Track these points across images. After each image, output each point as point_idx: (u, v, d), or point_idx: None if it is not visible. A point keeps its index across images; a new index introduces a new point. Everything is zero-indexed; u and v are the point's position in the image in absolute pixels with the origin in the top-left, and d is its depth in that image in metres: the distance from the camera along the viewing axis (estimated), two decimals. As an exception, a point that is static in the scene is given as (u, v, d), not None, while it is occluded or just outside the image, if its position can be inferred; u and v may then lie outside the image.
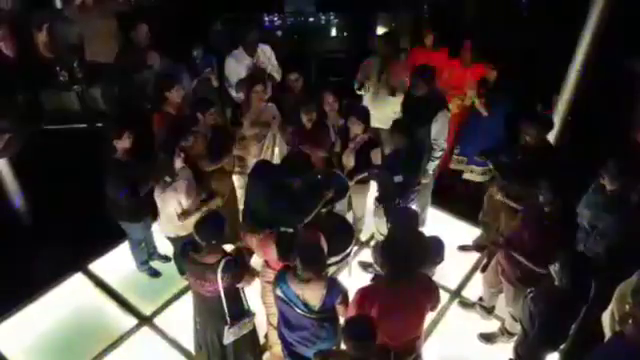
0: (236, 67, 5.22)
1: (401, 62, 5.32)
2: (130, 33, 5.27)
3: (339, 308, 3.09)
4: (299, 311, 2.99)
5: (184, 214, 3.85)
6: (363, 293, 2.99)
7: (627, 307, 3.07)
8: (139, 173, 3.95)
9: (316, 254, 3.00)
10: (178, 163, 3.85)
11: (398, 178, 4.07)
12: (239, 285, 3.27)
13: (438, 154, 4.58)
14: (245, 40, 5.24)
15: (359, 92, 5.25)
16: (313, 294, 2.96)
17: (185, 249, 3.25)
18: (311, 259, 2.91)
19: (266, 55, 5.39)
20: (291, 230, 3.33)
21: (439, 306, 4.28)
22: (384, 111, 5.06)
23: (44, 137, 5.31)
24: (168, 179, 3.81)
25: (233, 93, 5.23)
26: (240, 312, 3.36)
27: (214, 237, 3.10)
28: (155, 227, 4.62)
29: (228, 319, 3.28)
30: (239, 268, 3.19)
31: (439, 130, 4.49)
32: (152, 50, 5.12)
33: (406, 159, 4.08)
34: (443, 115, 4.50)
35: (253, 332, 3.57)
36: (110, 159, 3.97)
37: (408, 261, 2.96)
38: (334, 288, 3.02)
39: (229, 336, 3.33)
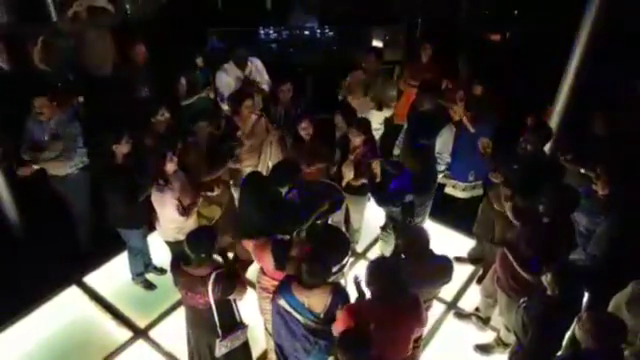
0: (227, 80, 5.27)
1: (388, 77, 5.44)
2: (127, 51, 5.32)
3: (338, 313, 3.08)
4: (302, 319, 2.97)
5: (185, 210, 3.92)
6: (350, 310, 2.96)
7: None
8: (137, 178, 3.99)
9: (322, 260, 3.00)
10: (170, 167, 3.89)
11: (409, 197, 4.06)
12: (231, 297, 3.25)
13: (442, 167, 4.63)
14: (234, 54, 5.29)
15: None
16: (318, 300, 2.95)
17: (176, 261, 3.24)
18: (317, 266, 2.91)
19: (258, 69, 5.43)
20: (287, 237, 3.33)
21: (435, 317, 4.35)
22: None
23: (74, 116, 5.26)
24: (162, 182, 3.87)
25: (224, 106, 5.26)
26: (232, 324, 3.35)
27: (204, 249, 3.10)
28: (150, 238, 4.63)
29: (220, 332, 3.27)
30: (231, 281, 3.18)
31: (444, 144, 4.54)
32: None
33: (420, 183, 4.05)
34: (448, 129, 4.57)
35: (246, 344, 3.55)
36: (109, 164, 4.01)
37: (397, 282, 2.92)
38: (338, 293, 3.03)
39: (221, 349, 3.32)
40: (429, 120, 4.61)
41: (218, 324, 3.24)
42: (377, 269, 2.95)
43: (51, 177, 4.52)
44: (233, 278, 3.22)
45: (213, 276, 3.09)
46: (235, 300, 3.34)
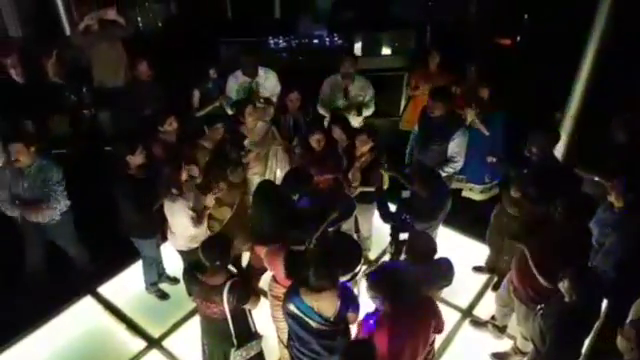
0: (235, 87, 5.29)
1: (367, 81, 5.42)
2: (133, 68, 5.37)
3: (350, 317, 3.06)
4: (314, 324, 2.95)
5: (198, 217, 3.92)
6: (366, 322, 2.94)
7: None
8: (151, 188, 4.01)
9: (328, 264, 2.97)
10: (184, 176, 3.91)
11: (406, 193, 4.04)
12: (245, 307, 3.25)
13: (449, 169, 4.60)
14: (242, 63, 5.30)
15: (321, 111, 5.36)
16: (327, 304, 2.93)
17: (190, 270, 3.25)
18: (323, 269, 2.89)
19: (270, 78, 5.43)
20: (302, 248, 3.31)
21: (450, 326, 4.29)
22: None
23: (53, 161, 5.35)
24: (175, 192, 3.87)
25: (229, 111, 5.28)
26: (247, 334, 3.34)
27: (218, 258, 3.10)
28: (163, 248, 4.64)
29: (235, 341, 3.26)
30: (245, 290, 3.18)
31: (456, 148, 4.52)
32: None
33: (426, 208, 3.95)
34: (461, 134, 4.55)
35: (260, 354, 3.53)
36: (123, 175, 4.04)
37: (407, 284, 2.91)
38: (347, 296, 3.01)
39: (236, 358, 3.31)
40: (441, 125, 4.59)
41: (233, 334, 3.24)
42: (383, 276, 2.92)
43: (32, 223, 4.26)
44: (248, 287, 3.22)
45: (228, 285, 3.10)
46: (250, 310, 3.34)
